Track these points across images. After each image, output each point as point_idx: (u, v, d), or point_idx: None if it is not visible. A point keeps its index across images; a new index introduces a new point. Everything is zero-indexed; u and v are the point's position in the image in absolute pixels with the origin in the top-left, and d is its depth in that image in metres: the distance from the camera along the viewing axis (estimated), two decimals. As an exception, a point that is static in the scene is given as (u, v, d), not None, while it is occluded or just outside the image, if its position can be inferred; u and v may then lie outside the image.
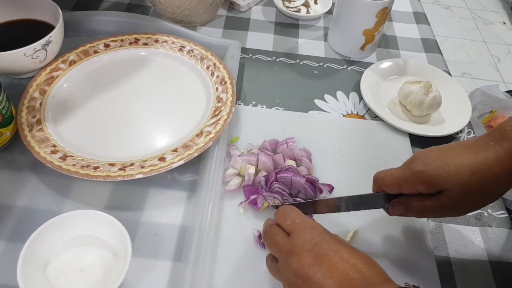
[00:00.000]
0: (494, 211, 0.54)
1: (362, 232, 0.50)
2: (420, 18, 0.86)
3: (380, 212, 0.53)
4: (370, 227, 0.51)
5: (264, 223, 0.44)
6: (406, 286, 0.33)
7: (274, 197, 0.50)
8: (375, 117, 0.65)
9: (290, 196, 0.51)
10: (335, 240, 0.37)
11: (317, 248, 0.36)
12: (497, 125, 0.39)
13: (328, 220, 0.50)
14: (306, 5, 0.84)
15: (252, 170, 0.52)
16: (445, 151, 0.40)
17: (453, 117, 0.65)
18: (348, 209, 0.46)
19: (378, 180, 0.44)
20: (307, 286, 0.35)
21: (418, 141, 0.61)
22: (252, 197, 0.50)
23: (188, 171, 0.54)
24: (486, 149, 0.38)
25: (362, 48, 0.73)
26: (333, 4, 0.81)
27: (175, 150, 0.52)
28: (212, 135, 0.53)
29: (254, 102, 0.65)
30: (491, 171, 0.37)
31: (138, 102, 0.60)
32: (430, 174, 0.39)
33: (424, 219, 0.52)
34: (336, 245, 0.36)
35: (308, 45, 0.76)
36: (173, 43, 0.67)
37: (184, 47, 0.67)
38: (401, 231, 0.51)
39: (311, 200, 0.50)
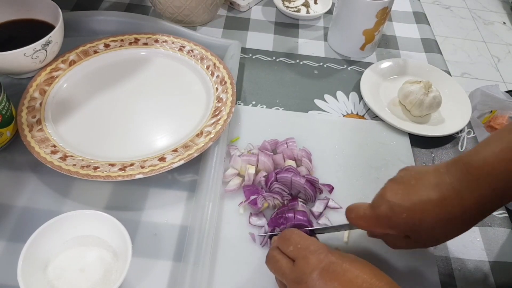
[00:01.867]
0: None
1: (359, 231, 0.50)
2: (420, 18, 0.86)
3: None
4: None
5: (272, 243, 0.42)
6: None
7: (274, 197, 0.50)
8: (375, 117, 0.65)
9: (290, 196, 0.51)
10: (341, 259, 0.37)
11: (326, 274, 0.36)
12: (463, 159, 0.39)
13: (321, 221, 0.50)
14: (306, 5, 0.84)
15: (252, 170, 0.52)
16: (410, 193, 0.39)
17: (453, 117, 0.65)
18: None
19: (350, 218, 0.43)
20: None
21: (418, 141, 0.61)
22: (252, 197, 0.50)
23: (188, 171, 0.54)
24: (452, 193, 0.38)
25: (362, 48, 0.73)
26: (333, 4, 0.81)
27: (175, 150, 0.52)
28: (212, 135, 0.53)
29: (254, 102, 0.65)
30: (455, 218, 0.38)
31: (138, 102, 0.60)
32: (397, 223, 0.39)
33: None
34: (343, 265, 0.36)
35: (308, 45, 0.76)
36: (173, 43, 0.67)
37: (184, 47, 0.67)
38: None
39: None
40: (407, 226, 0.39)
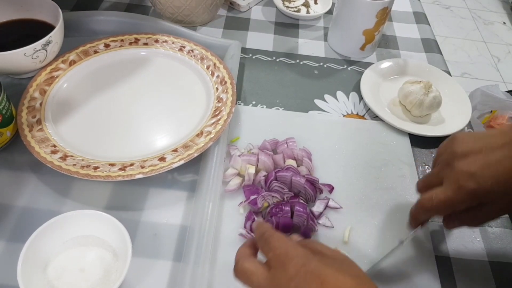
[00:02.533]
0: (494, 211, 0.54)
1: (359, 231, 0.50)
2: (420, 18, 0.86)
3: (377, 211, 0.53)
4: (367, 226, 0.51)
5: (237, 252, 0.39)
6: None
7: (273, 196, 0.50)
8: (375, 117, 0.65)
9: (291, 194, 0.51)
10: (320, 265, 0.34)
11: (303, 284, 0.33)
12: None
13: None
14: (306, 5, 0.84)
15: (252, 170, 0.53)
16: (486, 160, 0.39)
17: (453, 117, 0.65)
18: None
19: (430, 207, 0.42)
20: None
21: (418, 141, 0.61)
22: (252, 197, 0.50)
23: (188, 171, 0.54)
24: None
25: (362, 48, 0.73)
26: (333, 4, 0.81)
27: (175, 150, 0.52)
28: (212, 135, 0.53)
29: (254, 102, 0.65)
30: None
31: (138, 102, 0.60)
32: (485, 190, 0.38)
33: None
34: (321, 271, 0.33)
35: (308, 45, 0.76)
36: (173, 43, 0.67)
37: (184, 47, 0.67)
38: (400, 231, 0.51)
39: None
40: (493, 192, 0.38)
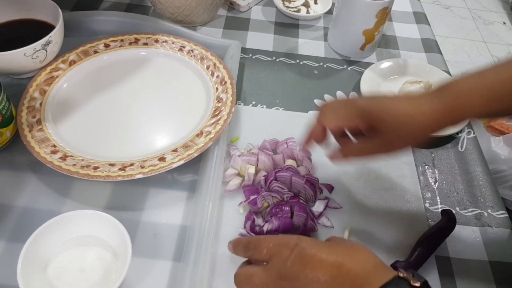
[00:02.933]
0: (494, 211, 0.54)
1: (359, 231, 0.50)
2: (420, 18, 0.86)
3: (377, 211, 0.53)
4: (367, 226, 0.51)
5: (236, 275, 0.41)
6: (399, 275, 0.34)
7: (273, 196, 0.50)
8: (375, 117, 0.64)
9: (290, 194, 0.51)
10: (311, 243, 0.37)
11: (298, 261, 0.36)
12: (442, 85, 0.43)
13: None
14: (306, 5, 0.84)
15: (252, 170, 0.53)
16: (389, 98, 0.43)
17: (453, 117, 0.64)
18: None
19: (323, 118, 0.45)
20: None
21: (418, 141, 0.61)
22: (252, 197, 0.50)
23: (188, 171, 0.54)
24: (425, 99, 0.42)
25: (362, 48, 0.73)
26: (333, 4, 0.81)
27: (175, 150, 0.52)
28: (212, 135, 0.53)
29: (254, 102, 0.65)
30: (423, 115, 0.41)
31: (138, 102, 0.60)
32: (370, 112, 0.42)
33: (424, 219, 0.52)
34: (313, 249, 0.36)
35: (308, 45, 0.76)
36: (173, 43, 0.67)
37: (184, 47, 0.67)
38: (400, 231, 0.51)
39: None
40: (379, 114, 0.42)
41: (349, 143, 0.46)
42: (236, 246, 0.42)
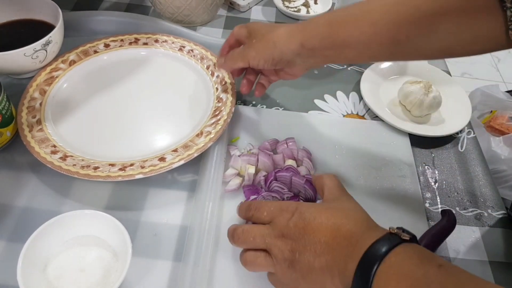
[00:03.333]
0: (494, 211, 0.54)
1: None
2: (420, 18, 0.86)
3: (377, 211, 0.53)
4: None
5: (230, 229, 0.43)
6: (391, 231, 0.36)
7: (273, 197, 0.50)
8: (375, 117, 0.65)
9: (290, 194, 0.51)
10: (310, 209, 0.39)
11: (299, 223, 0.39)
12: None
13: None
14: (306, 5, 0.84)
15: (252, 170, 0.52)
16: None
17: (453, 117, 0.65)
18: None
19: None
20: (303, 258, 0.38)
21: (418, 141, 0.61)
22: (252, 197, 0.50)
23: (188, 171, 0.54)
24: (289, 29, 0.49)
25: (362, 48, 0.72)
26: (333, 4, 0.81)
27: (175, 150, 0.52)
28: (212, 135, 0.53)
29: (254, 102, 0.65)
30: (284, 38, 0.49)
31: (138, 102, 0.60)
32: (252, 27, 0.53)
33: (424, 219, 0.52)
34: (313, 213, 0.39)
35: (308, 45, 0.76)
36: (173, 43, 0.67)
37: (184, 47, 0.67)
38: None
39: None
40: (255, 28, 0.52)
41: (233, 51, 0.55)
42: (240, 209, 0.45)
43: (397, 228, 0.36)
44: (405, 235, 0.35)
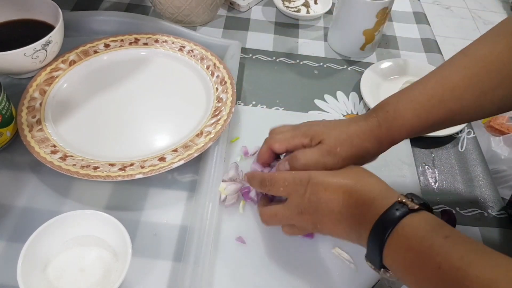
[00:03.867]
0: (494, 211, 0.54)
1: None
2: (420, 18, 0.86)
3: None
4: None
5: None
6: (399, 200, 0.36)
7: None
8: (375, 117, 0.65)
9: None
10: (322, 177, 0.41)
11: (313, 198, 0.41)
12: (376, 105, 0.47)
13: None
14: (306, 5, 0.84)
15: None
16: (329, 121, 0.48)
17: (453, 117, 0.64)
18: None
19: (270, 140, 0.49)
20: (325, 227, 0.41)
21: (418, 141, 0.61)
22: (244, 190, 0.50)
23: (188, 171, 0.54)
24: (362, 120, 0.46)
25: (362, 48, 0.73)
26: (333, 4, 0.81)
27: (175, 150, 0.52)
28: (212, 135, 0.53)
29: (254, 102, 0.65)
30: (361, 133, 0.45)
31: (138, 102, 0.60)
32: (314, 130, 0.46)
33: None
34: (324, 183, 0.41)
35: (308, 45, 0.76)
36: (173, 43, 0.67)
37: (184, 47, 0.67)
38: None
39: None
40: (321, 131, 0.45)
41: (293, 154, 0.47)
42: (252, 179, 0.47)
43: (407, 195, 0.37)
44: (414, 204, 0.36)
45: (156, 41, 0.67)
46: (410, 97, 0.45)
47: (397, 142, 0.46)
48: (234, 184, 0.51)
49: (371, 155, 0.46)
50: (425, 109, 0.44)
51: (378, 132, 0.45)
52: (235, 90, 0.59)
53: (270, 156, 0.49)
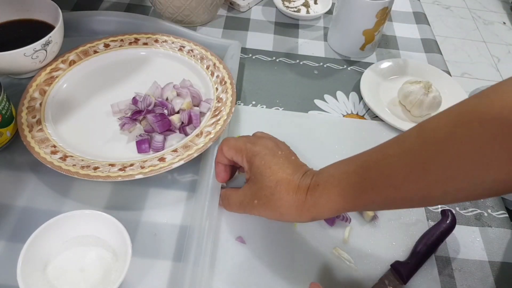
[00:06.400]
0: (494, 211, 0.54)
1: (358, 230, 0.50)
2: (420, 18, 0.86)
3: (377, 211, 0.53)
4: (367, 226, 0.51)
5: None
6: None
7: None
8: (375, 117, 0.65)
9: None
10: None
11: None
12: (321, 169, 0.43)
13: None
14: (306, 5, 0.84)
15: None
16: (279, 158, 0.45)
17: (453, 117, 0.64)
18: None
19: (224, 141, 0.48)
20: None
21: (418, 141, 0.61)
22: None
23: (188, 171, 0.54)
24: (301, 177, 0.42)
25: (362, 48, 0.73)
26: (333, 4, 0.81)
27: (175, 151, 0.52)
28: (212, 135, 0.53)
29: (254, 102, 0.65)
30: (288, 192, 0.42)
31: (138, 102, 0.60)
32: (255, 161, 0.44)
33: (424, 219, 0.52)
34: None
35: (308, 45, 0.76)
36: (173, 43, 0.67)
37: (184, 47, 0.67)
38: (400, 231, 0.51)
39: None
40: (259, 169, 0.44)
41: (227, 190, 0.49)
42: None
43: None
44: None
45: (156, 41, 0.67)
46: (341, 169, 0.41)
47: (318, 219, 0.43)
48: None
49: (285, 219, 0.43)
50: (353, 191, 0.38)
51: (302, 203, 0.41)
52: (235, 90, 0.59)
53: (222, 156, 0.48)
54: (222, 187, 0.51)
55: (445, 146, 0.33)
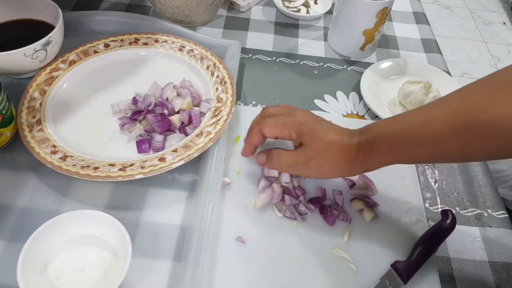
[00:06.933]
0: (494, 211, 0.54)
1: (358, 230, 0.50)
2: (420, 18, 0.86)
3: (377, 211, 0.53)
4: (367, 225, 0.51)
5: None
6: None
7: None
8: (375, 117, 0.65)
9: None
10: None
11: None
12: (366, 126, 0.47)
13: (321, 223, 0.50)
14: (306, 5, 0.84)
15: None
16: (323, 123, 0.49)
17: (453, 117, 0.64)
18: None
19: (262, 123, 0.50)
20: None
21: (418, 141, 0.61)
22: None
23: (188, 171, 0.54)
24: (349, 135, 0.47)
25: (362, 48, 0.73)
26: (333, 4, 0.81)
27: (175, 151, 0.52)
28: (212, 135, 0.53)
29: (254, 102, 0.65)
30: (341, 147, 0.46)
31: (138, 102, 0.60)
32: (302, 130, 0.47)
33: (424, 219, 0.52)
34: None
35: (308, 45, 0.76)
36: (173, 43, 0.67)
37: (184, 47, 0.67)
38: (400, 231, 0.51)
39: None
40: (308, 134, 0.47)
41: (273, 150, 0.51)
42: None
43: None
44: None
45: (156, 41, 0.67)
46: (389, 127, 0.45)
47: (369, 171, 0.47)
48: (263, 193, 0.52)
49: (340, 175, 0.49)
50: (402, 147, 0.43)
51: (355, 158, 0.46)
52: (235, 90, 0.59)
53: (260, 138, 0.50)
54: (223, 184, 0.51)
55: (484, 109, 0.38)
